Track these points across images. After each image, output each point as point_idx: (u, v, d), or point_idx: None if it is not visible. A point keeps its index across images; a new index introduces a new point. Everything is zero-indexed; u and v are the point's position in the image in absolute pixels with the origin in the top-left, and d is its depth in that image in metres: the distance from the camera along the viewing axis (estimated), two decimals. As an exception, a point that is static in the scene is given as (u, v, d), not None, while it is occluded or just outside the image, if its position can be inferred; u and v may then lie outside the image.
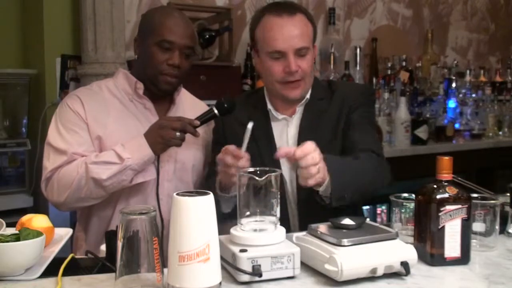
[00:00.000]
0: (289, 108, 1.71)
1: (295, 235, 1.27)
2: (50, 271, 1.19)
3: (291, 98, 1.67)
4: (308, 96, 1.70)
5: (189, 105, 1.88)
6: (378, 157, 1.60)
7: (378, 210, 3.11)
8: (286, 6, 1.67)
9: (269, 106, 1.71)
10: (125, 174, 1.61)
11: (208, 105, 1.92)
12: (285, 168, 1.67)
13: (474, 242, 1.34)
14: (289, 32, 1.60)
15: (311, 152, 1.34)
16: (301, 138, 1.66)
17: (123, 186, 1.65)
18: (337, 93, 1.71)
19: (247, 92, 1.92)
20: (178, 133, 1.60)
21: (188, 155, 1.80)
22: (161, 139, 1.61)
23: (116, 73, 1.85)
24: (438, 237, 1.25)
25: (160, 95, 1.78)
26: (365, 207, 2.92)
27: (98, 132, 1.70)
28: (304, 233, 1.27)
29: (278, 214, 1.23)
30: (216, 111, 1.65)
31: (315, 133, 1.65)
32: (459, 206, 1.25)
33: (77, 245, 1.81)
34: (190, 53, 1.74)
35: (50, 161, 1.67)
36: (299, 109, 1.71)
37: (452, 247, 1.25)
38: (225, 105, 1.65)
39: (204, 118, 1.65)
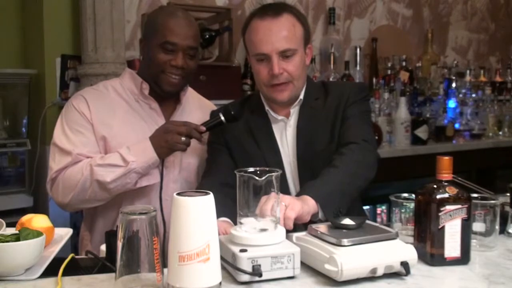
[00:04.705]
0: (284, 110, 1.69)
1: (295, 235, 1.27)
2: (50, 271, 1.19)
3: (279, 101, 1.65)
4: (301, 97, 1.68)
5: (196, 105, 1.87)
6: (359, 145, 1.55)
7: (378, 210, 3.11)
8: (271, 7, 1.64)
9: (267, 108, 1.70)
10: (129, 177, 1.61)
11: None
12: (288, 170, 1.67)
13: (474, 242, 1.33)
14: (272, 34, 1.57)
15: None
16: (299, 140, 1.65)
17: (128, 189, 1.65)
18: (331, 93, 1.70)
19: (241, 98, 1.91)
20: (183, 138, 1.59)
21: (194, 159, 1.79)
22: (166, 144, 1.59)
23: (123, 73, 1.84)
24: (438, 237, 1.25)
25: (164, 95, 1.76)
26: (365, 207, 2.92)
27: (103, 132, 1.69)
28: (304, 233, 1.27)
29: (278, 214, 1.23)
30: (222, 118, 1.63)
31: (312, 135, 1.65)
32: (459, 206, 1.25)
33: (83, 245, 1.82)
34: (194, 54, 1.72)
35: (55, 162, 1.67)
36: (294, 111, 1.68)
37: (452, 247, 1.25)
38: (232, 112, 1.63)
39: (210, 125, 1.64)
